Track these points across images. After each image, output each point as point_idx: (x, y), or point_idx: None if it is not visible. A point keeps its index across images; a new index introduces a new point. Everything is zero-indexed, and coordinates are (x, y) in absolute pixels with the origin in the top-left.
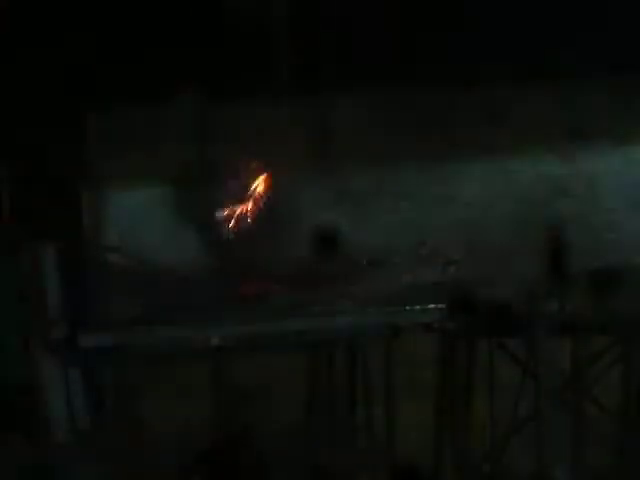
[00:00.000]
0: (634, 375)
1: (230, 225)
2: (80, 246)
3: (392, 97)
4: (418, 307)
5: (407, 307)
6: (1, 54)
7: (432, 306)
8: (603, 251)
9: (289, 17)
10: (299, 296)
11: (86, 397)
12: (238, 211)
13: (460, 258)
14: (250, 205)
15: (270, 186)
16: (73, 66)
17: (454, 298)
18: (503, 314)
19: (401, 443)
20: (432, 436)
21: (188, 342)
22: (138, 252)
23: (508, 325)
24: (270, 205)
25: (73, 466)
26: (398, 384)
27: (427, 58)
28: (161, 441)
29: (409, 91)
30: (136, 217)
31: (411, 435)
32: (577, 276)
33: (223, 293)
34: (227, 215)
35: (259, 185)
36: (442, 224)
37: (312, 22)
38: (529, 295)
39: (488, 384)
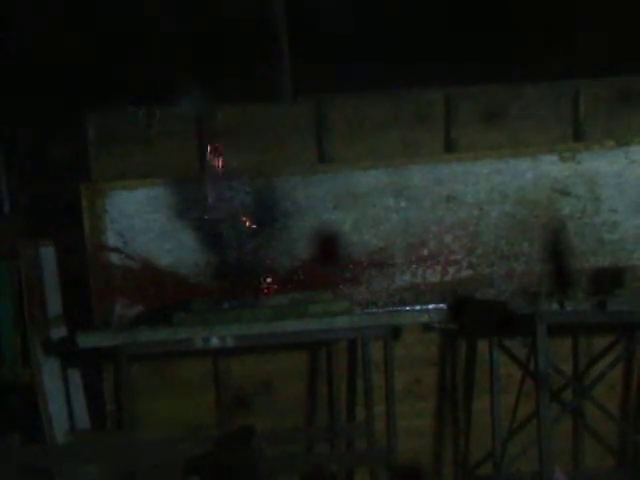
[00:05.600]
0: (635, 375)
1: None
2: (80, 246)
3: (391, 97)
4: (418, 307)
5: (407, 307)
6: (2, 56)
7: (432, 306)
8: (604, 251)
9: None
10: (299, 296)
11: (85, 397)
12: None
13: (460, 258)
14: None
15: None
16: (74, 66)
17: (454, 299)
18: (503, 314)
19: (401, 443)
20: (432, 436)
21: (188, 342)
22: (138, 252)
23: (508, 325)
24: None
25: (73, 466)
26: (398, 384)
27: (427, 58)
28: (161, 441)
29: (409, 90)
30: (136, 217)
31: (411, 435)
32: (578, 276)
33: (223, 293)
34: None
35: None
36: (442, 224)
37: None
38: (530, 295)
39: (489, 384)
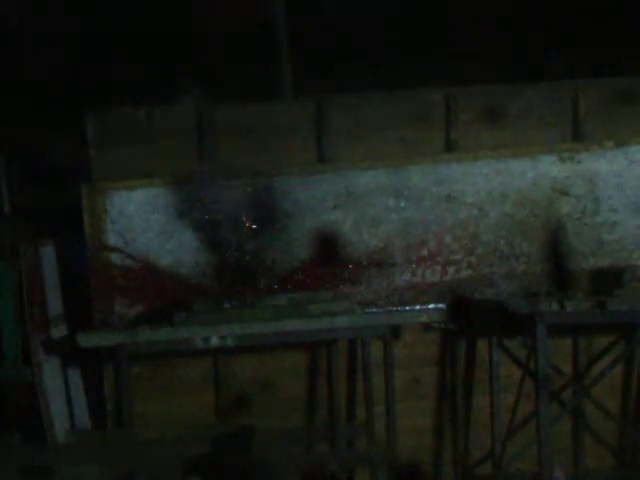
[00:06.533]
0: (635, 375)
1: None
2: (80, 246)
3: (391, 97)
4: (418, 307)
5: (407, 307)
6: (3, 54)
7: (432, 306)
8: (604, 251)
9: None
10: (299, 296)
11: (86, 397)
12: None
13: (460, 258)
14: None
15: None
16: (74, 66)
17: (454, 298)
18: (503, 314)
19: (401, 443)
20: (432, 436)
21: (188, 342)
22: (138, 252)
23: (508, 325)
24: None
25: (73, 466)
26: (398, 384)
27: (427, 58)
28: (161, 441)
29: (409, 90)
30: (136, 217)
31: (411, 435)
32: (578, 276)
33: (223, 293)
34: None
35: None
36: (442, 224)
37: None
38: (529, 295)
39: (488, 384)
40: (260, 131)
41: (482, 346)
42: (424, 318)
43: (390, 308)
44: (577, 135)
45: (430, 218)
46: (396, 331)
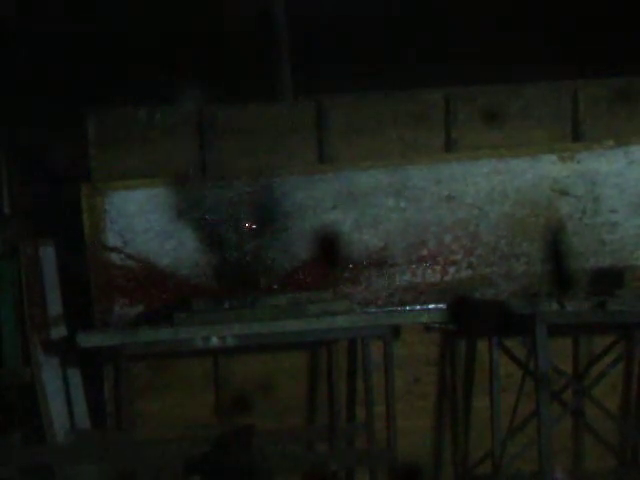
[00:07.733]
0: (635, 375)
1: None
2: (80, 246)
3: (391, 97)
4: (418, 307)
5: (407, 307)
6: (3, 54)
7: (432, 306)
8: (604, 251)
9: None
10: (299, 296)
11: (85, 397)
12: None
13: (460, 258)
14: None
15: None
16: (74, 66)
17: (454, 299)
18: (503, 314)
19: (401, 443)
20: (432, 436)
21: (188, 342)
22: (138, 252)
23: (508, 325)
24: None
25: (73, 466)
26: (398, 384)
27: (427, 58)
28: (161, 441)
29: (409, 90)
30: (136, 217)
31: (411, 435)
32: (578, 276)
33: (223, 293)
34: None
35: None
36: (442, 224)
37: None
38: (530, 295)
39: (489, 384)
40: (260, 131)
41: (482, 346)
42: (424, 318)
43: (390, 308)
44: (577, 135)
45: (430, 218)
46: (396, 331)
